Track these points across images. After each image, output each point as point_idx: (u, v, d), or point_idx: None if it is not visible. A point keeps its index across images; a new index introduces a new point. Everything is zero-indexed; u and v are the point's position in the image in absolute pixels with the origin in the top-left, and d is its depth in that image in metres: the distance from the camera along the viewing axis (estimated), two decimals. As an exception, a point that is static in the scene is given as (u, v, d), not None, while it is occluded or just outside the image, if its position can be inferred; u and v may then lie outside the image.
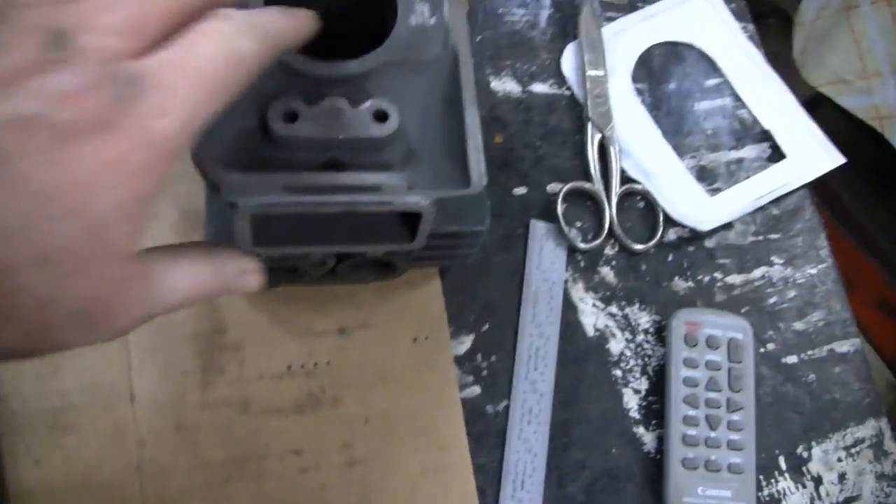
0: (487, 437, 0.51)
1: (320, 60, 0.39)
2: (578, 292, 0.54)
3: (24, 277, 0.25)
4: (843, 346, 0.57)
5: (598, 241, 0.55)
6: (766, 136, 0.60)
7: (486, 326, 0.53)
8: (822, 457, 0.55)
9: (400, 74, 0.40)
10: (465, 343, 0.52)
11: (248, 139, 0.38)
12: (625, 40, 0.60)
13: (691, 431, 0.52)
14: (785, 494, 0.54)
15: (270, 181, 0.36)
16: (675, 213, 0.56)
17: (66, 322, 0.27)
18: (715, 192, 0.58)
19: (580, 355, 0.53)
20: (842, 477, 0.55)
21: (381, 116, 0.38)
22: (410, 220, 0.41)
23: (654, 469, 0.52)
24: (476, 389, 0.52)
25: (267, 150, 0.38)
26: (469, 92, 0.40)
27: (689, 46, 0.61)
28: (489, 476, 0.50)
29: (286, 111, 0.37)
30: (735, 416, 0.53)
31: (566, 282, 0.54)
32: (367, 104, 0.38)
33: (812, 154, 0.60)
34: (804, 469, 0.55)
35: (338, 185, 0.37)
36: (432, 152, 0.40)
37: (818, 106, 0.96)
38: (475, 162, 0.39)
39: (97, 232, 0.26)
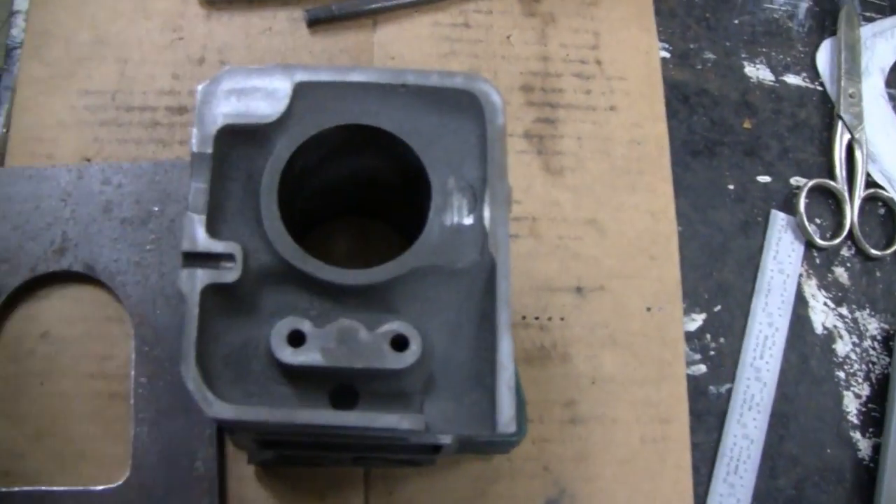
0: (707, 416, 0.51)
1: (336, 267, 0.35)
2: (811, 288, 0.54)
3: None
4: None
5: (836, 241, 0.54)
6: None
7: (718, 307, 0.53)
8: None
9: (427, 283, 0.36)
10: (697, 321, 0.52)
11: (254, 350, 0.35)
12: (882, 43, 0.59)
13: (911, 445, 0.51)
14: None
15: (273, 414, 0.33)
16: (916, 225, 0.55)
17: None
18: (957, 209, 0.57)
19: (806, 351, 0.53)
20: None
21: (400, 344, 0.33)
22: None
23: (867, 476, 0.51)
24: (702, 368, 0.51)
25: (273, 366, 0.34)
26: (505, 314, 0.35)
27: (947, 58, 0.60)
28: (704, 455, 0.50)
29: (291, 332, 0.33)
30: (956, 437, 0.51)
31: (800, 276, 0.54)
32: (385, 328, 0.34)
33: None
34: None
35: (346, 426, 0.33)
36: (459, 375, 0.35)
37: None
38: (505, 402, 0.33)
39: None
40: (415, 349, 0.33)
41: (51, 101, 0.52)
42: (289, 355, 0.33)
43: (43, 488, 0.44)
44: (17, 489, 0.44)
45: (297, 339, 0.33)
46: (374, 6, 0.54)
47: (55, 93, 0.52)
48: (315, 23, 0.54)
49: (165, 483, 0.44)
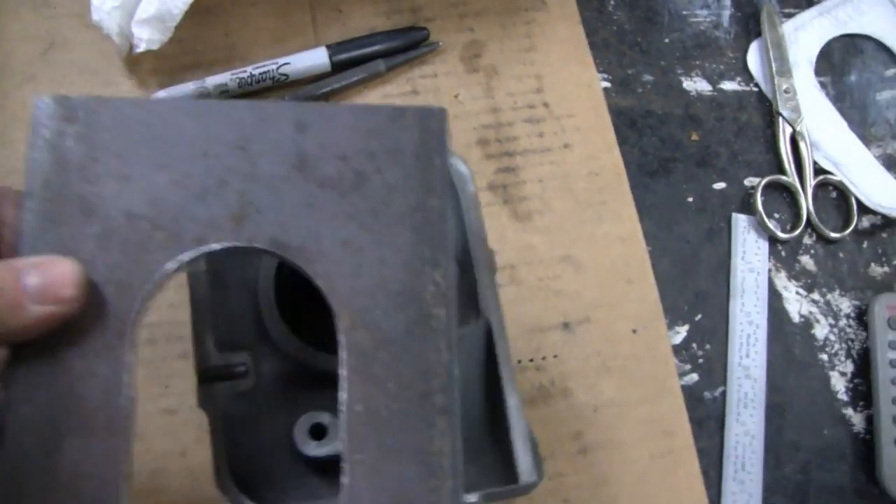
0: (707, 421, 0.53)
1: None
2: (782, 281, 0.57)
3: None
4: None
5: (796, 232, 0.57)
6: (948, 122, 0.62)
7: (699, 316, 0.55)
8: None
9: None
10: (681, 333, 0.55)
11: (281, 447, 0.36)
12: (805, 36, 0.62)
13: (900, 411, 0.54)
14: None
15: None
16: (867, 201, 0.58)
17: None
18: (903, 178, 0.60)
19: (788, 341, 0.56)
20: None
21: None
22: None
23: (865, 449, 0.54)
24: (694, 377, 0.54)
25: (301, 464, 0.36)
26: (507, 371, 0.36)
27: (867, 38, 0.63)
28: (711, 459, 0.53)
29: (312, 426, 0.35)
30: (941, 396, 0.54)
31: (769, 271, 0.57)
32: None
33: None
34: None
35: None
36: (475, 436, 0.37)
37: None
38: (522, 454, 0.35)
39: None
40: None
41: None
42: (313, 448, 0.35)
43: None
44: None
45: (319, 432, 0.35)
46: (325, 90, 0.56)
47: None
48: (270, 115, 0.56)
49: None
